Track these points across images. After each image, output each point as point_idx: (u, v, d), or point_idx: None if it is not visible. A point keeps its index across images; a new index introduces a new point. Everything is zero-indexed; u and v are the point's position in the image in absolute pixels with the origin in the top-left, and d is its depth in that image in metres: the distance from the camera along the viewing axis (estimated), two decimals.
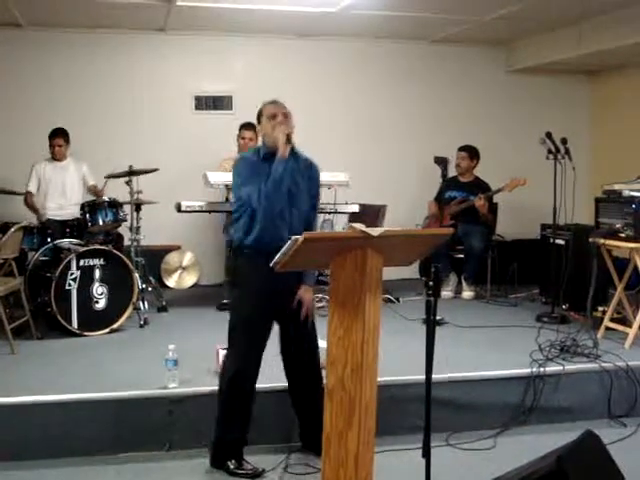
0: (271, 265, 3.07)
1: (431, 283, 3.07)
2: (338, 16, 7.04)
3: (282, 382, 4.10)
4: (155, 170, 6.53)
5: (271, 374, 4.10)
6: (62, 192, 6.77)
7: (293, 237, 2.87)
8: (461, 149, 7.52)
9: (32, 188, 6.71)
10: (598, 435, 3.05)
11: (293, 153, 3.81)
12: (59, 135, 6.76)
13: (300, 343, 3.92)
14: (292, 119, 3.84)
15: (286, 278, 3.48)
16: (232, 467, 3.85)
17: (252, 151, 4.02)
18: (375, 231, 2.92)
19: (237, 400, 3.83)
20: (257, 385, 3.91)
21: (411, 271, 6.48)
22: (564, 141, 6.13)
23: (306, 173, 3.90)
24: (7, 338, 5.19)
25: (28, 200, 6.67)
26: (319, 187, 4.03)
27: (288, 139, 3.67)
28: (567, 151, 6.11)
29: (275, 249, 3.09)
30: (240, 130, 7.15)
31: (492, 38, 8.18)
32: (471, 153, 7.49)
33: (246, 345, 3.81)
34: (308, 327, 3.87)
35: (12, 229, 5.56)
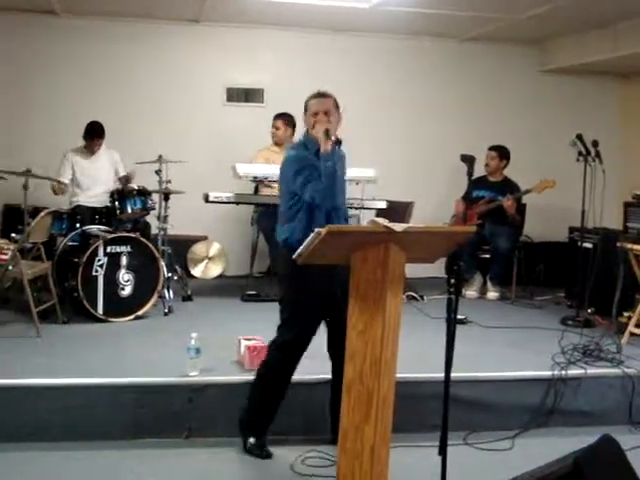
0: (293, 257, 3.08)
1: (453, 281, 3.06)
2: (370, 12, 7.02)
3: (312, 375, 4.17)
4: (184, 161, 6.57)
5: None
6: (94, 181, 6.77)
7: (316, 230, 2.88)
8: (491, 149, 7.48)
9: (65, 178, 6.69)
10: (617, 440, 3.02)
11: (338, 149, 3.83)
12: (100, 136, 6.72)
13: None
14: (336, 114, 3.88)
15: (340, 276, 3.44)
16: (249, 445, 3.97)
17: (298, 145, 4.04)
18: (398, 226, 2.93)
19: (273, 388, 3.93)
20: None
21: (437, 269, 6.46)
22: (595, 143, 6.08)
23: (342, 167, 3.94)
24: (33, 321, 5.27)
25: (57, 189, 6.61)
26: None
27: (328, 134, 3.68)
28: (598, 154, 6.06)
29: None
30: (274, 120, 7.23)
31: (525, 37, 8.12)
32: (501, 153, 7.45)
33: (294, 338, 3.84)
34: None
35: (41, 214, 5.63)
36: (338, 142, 3.77)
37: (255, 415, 3.98)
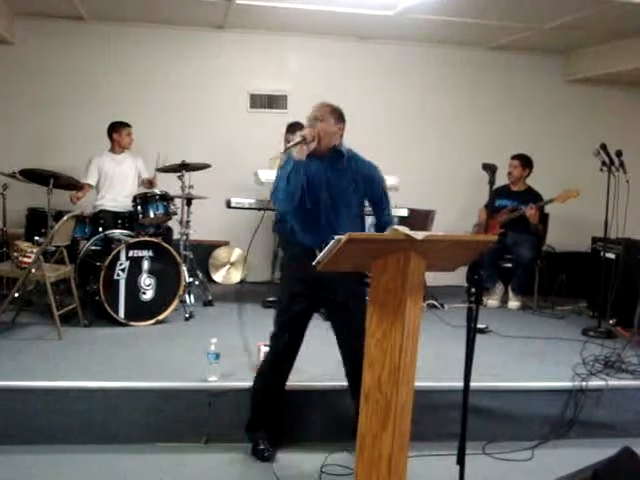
0: (314, 264, 3.09)
1: (473, 290, 3.06)
2: (395, 19, 7.03)
3: (331, 382, 4.18)
4: (207, 166, 6.61)
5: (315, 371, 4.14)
6: (118, 185, 6.84)
7: (336, 237, 2.88)
8: (514, 157, 7.45)
9: (92, 180, 6.75)
10: (636, 452, 3.00)
11: (336, 154, 3.90)
12: (128, 125, 6.86)
13: (350, 339, 3.85)
14: (331, 122, 3.86)
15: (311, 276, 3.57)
16: (254, 445, 4.08)
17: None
18: (419, 235, 2.92)
19: (263, 388, 4.06)
20: (308, 383, 4.14)
21: (459, 278, 6.44)
22: (619, 153, 6.05)
23: (354, 175, 3.92)
24: (55, 324, 5.31)
25: (81, 193, 6.62)
26: (372, 188, 4.04)
27: (303, 140, 3.72)
28: (622, 164, 6.03)
29: (303, 245, 3.80)
30: (288, 131, 7.22)
31: (550, 46, 8.09)
32: (523, 162, 7.42)
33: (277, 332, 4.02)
34: (358, 322, 3.52)
35: (65, 217, 5.67)
36: (336, 152, 3.88)
37: (251, 414, 4.11)
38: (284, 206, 3.88)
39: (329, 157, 3.89)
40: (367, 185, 3.98)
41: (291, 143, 3.81)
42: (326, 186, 3.87)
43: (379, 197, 4.08)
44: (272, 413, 4.10)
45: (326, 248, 2.94)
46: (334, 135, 3.87)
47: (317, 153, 3.82)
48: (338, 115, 3.91)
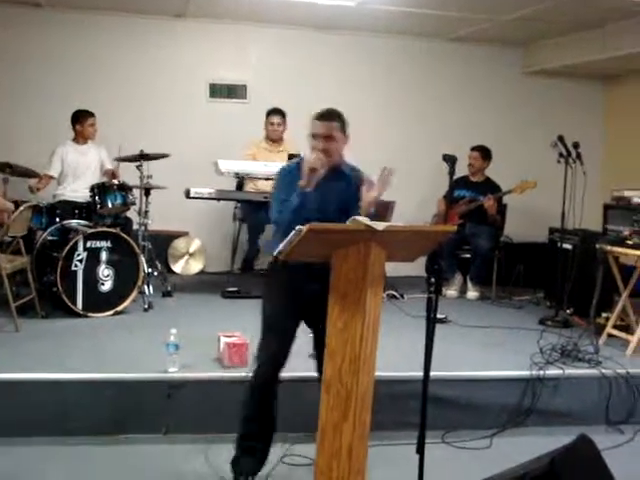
0: (274, 254, 3.08)
1: (433, 280, 3.08)
2: (355, 10, 7.03)
3: (295, 372, 4.01)
4: (166, 156, 6.56)
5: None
6: (81, 175, 6.76)
7: (297, 227, 2.87)
8: (474, 149, 7.50)
9: (54, 172, 6.67)
10: (592, 440, 3.04)
11: (338, 172, 3.62)
12: (91, 114, 6.76)
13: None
14: (342, 137, 3.57)
15: (312, 282, 3.32)
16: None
17: (296, 162, 3.69)
18: (379, 225, 2.93)
19: (257, 400, 3.60)
20: None
21: (418, 269, 6.48)
22: (576, 145, 6.13)
23: (350, 187, 3.61)
24: (12, 315, 5.23)
25: (41, 183, 6.55)
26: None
27: (312, 170, 3.37)
28: (578, 155, 6.11)
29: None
30: (268, 116, 7.25)
31: (509, 38, 8.16)
32: (483, 153, 7.48)
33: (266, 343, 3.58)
34: None
35: (21, 208, 5.58)
36: (337, 169, 3.57)
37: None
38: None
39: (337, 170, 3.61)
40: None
41: (303, 180, 3.39)
42: (336, 200, 3.55)
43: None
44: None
45: (287, 238, 2.93)
46: (343, 149, 3.61)
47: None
48: (345, 125, 3.63)
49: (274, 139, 7.29)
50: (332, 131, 3.52)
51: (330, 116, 3.56)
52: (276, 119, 7.25)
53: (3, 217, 5.50)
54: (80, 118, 6.73)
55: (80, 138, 6.78)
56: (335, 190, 3.57)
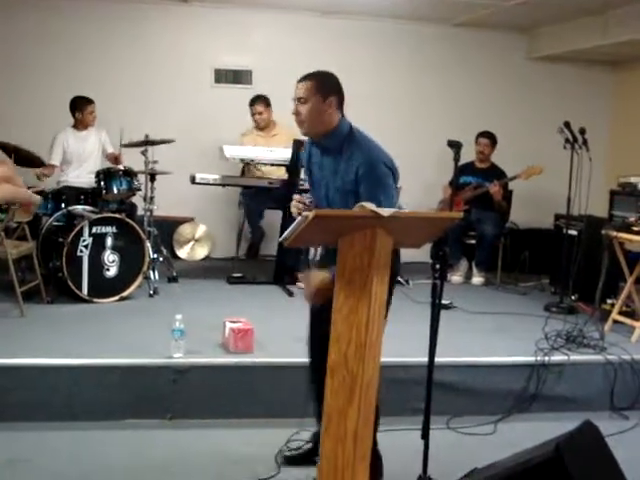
0: (280, 240, 3.06)
1: (438, 266, 3.07)
2: None
3: (296, 357, 4.09)
4: (171, 141, 6.54)
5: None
6: (83, 161, 6.77)
7: (304, 213, 2.86)
8: (482, 135, 7.46)
9: (56, 161, 6.66)
10: (597, 426, 3.05)
11: (332, 139, 3.35)
12: (90, 101, 6.73)
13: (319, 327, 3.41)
14: (314, 99, 3.25)
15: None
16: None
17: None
18: (386, 211, 2.91)
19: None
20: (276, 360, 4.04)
21: (424, 255, 6.47)
22: (582, 131, 6.10)
23: (349, 166, 3.36)
24: (17, 301, 5.25)
25: (47, 172, 6.47)
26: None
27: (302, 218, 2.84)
28: (585, 141, 6.08)
29: None
30: (251, 105, 7.21)
31: (515, 24, 8.10)
32: (492, 140, 7.46)
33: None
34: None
35: None
36: (333, 136, 3.32)
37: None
38: None
39: (326, 142, 3.37)
40: (358, 181, 3.33)
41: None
42: (330, 182, 3.37)
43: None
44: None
45: (292, 225, 2.92)
46: (325, 114, 3.28)
47: (314, 140, 3.39)
48: (326, 87, 3.31)
49: (262, 127, 7.27)
50: (301, 92, 3.25)
51: (304, 77, 3.30)
52: (259, 107, 7.21)
53: (30, 209, 5.52)
54: (79, 106, 6.70)
55: (80, 125, 6.77)
56: (330, 169, 3.38)
